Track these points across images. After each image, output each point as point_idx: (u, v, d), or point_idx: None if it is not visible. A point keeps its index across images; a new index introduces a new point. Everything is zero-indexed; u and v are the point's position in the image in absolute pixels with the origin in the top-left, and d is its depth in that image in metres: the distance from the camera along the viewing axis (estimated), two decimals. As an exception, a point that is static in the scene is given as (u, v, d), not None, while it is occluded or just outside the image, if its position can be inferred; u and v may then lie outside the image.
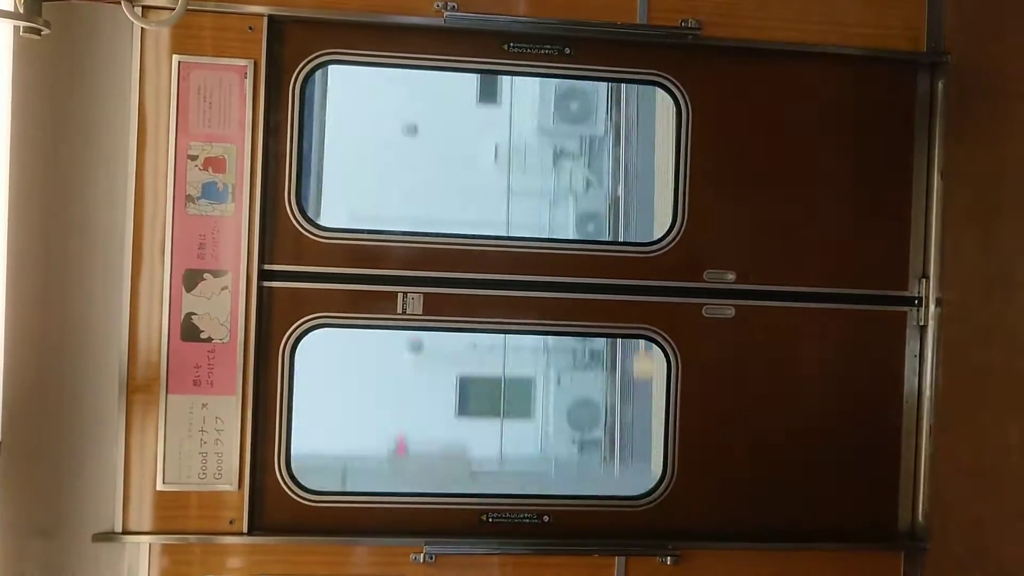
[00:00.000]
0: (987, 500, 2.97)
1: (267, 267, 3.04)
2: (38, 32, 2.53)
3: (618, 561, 3.14)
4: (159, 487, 2.98)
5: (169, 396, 2.98)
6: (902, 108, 3.29)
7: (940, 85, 3.27)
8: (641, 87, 3.47)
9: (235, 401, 2.99)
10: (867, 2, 3.21)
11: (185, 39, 2.97)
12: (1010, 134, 2.95)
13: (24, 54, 2.73)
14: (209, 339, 2.99)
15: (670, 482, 3.20)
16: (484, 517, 3.16)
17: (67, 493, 2.96)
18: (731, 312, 3.22)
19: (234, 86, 2.99)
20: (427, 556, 3.05)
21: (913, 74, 3.29)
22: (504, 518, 3.16)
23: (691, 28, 3.11)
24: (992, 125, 3.06)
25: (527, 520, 3.16)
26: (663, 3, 3.12)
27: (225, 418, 2.99)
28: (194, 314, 2.98)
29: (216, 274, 2.99)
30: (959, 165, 3.21)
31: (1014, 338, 2.88)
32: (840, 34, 3.19)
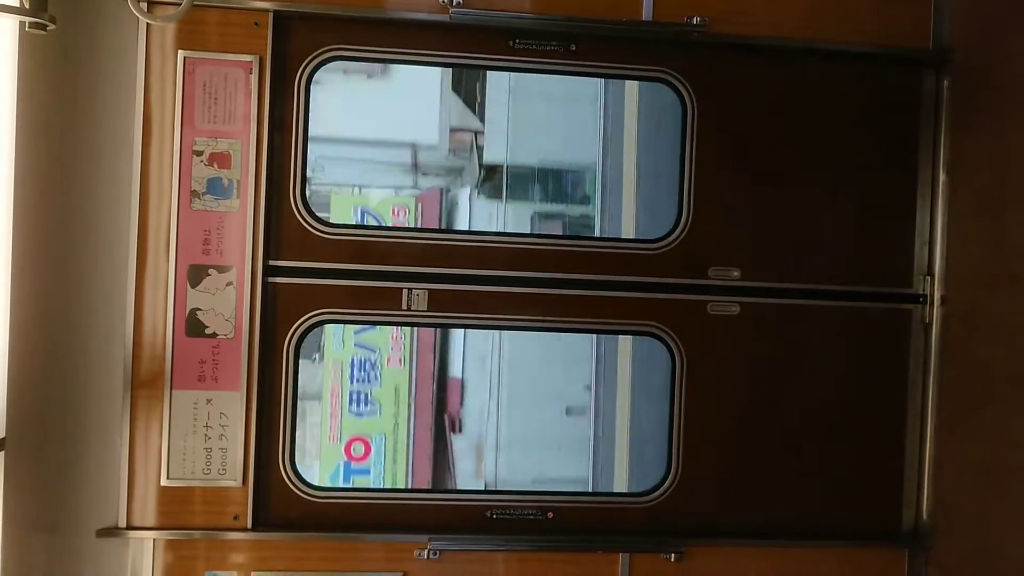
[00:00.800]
0: (992, 498, 2.97)
1: (272, 263, 3.04)
2: (43, 27, 2.53)
3: (622, 558, 3.14)
4: (163, 482, 2.98)
5: (174, 392, 2.98)
6: (907, 105, 3.29)
7: (945, 82, 3.26)
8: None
9: (240, 397, 2.99)
10: (873, 0, 3.22)
11: (190, 34, 2.97)
12: (1015, 131, 2.95)
13: (29, 49, 2.72)
14: (214, 335, 2.99)
15: (675, 479, 3.20)
16: (489, 513, 3.15)
17: (71, 488, 2.96)
18: (736, 309, 3.22)
19: (239, 81, 2.99)
20: (431, 552, 3.05)
21: (918, 71, 3.29)
22: (509, 514, 3.16)
23: (697, 25, 3.11)
24: (997, 122, 3.06)
25: (532, 516, 3.16)
26: (669, 0, 3.12)
27: (230, 414, 2.99)
28: (199, 309, 2.98)
29: (221, 269, 2.99)
30: (964, 162, 3.21)
31: (1019, 335, 2.88)
32: (846, 31, 3.19)
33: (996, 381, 2.99)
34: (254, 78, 2.98)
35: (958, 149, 3.23)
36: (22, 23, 2.56)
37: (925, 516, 3.28)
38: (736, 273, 3.22)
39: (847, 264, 3.28)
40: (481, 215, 5.37)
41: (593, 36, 3.15)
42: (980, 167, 3.13)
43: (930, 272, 3.28)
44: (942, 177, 3.26)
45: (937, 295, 3.26)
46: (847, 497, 3.28)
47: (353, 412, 5.81)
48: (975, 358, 3.11)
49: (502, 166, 5.20)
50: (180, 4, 2.56)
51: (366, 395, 5.82)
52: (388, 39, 3.11)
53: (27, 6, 2.49)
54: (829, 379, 3.29)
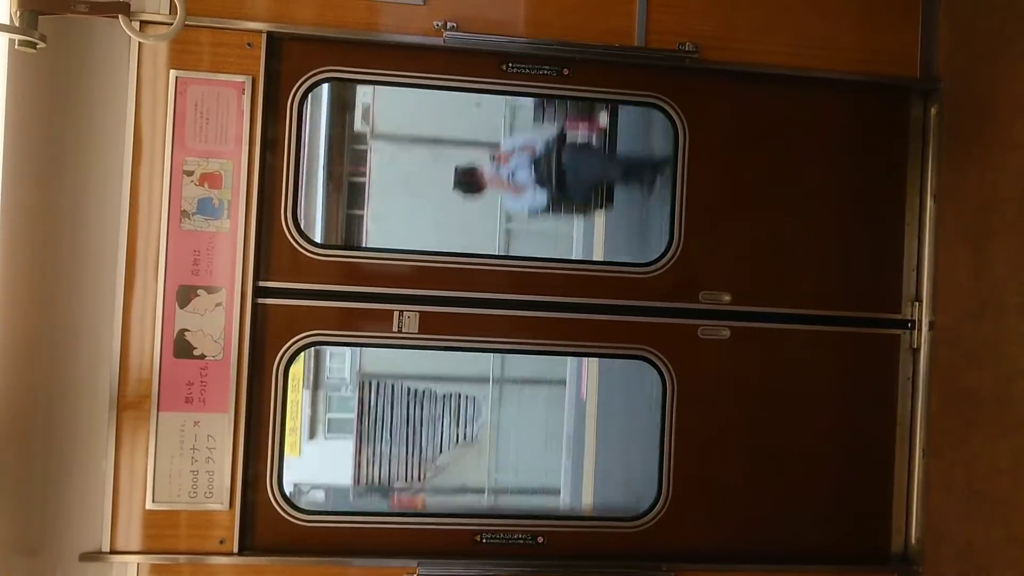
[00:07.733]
0: (979, 523, 2.98)
1: (262, 284, 3.02)
2: (34, 46, 2.50)
3: (612, 582, 3.12)
4: (148, 505, 2.94)
5: (160, 413, 2.94)
6: (895, 133, 3.33)
7: (933, 110, 3.31)
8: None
9: (227, 419, 2.96)
10: (862, 29, 3.26)
11: (183, 54, 2.96)
12: (1001, 158, 2.99)
13: (19, 68, 2.70)
14: (202, 356, 2.96)
15: (664, 503, 3.19)
16: (478, 538, 3.13)
17: (54, 510, 2.92)
18: (727, 333, 3.23)
19: (231, 102, 2.98)
20: (420, 577, 3.02)
21: (906, 99, 3.33)
22: (498, 539, 3.13)
23: (689, 52, 3.14)
24: (983, 149, 3.10)
25: (521, 541, 3.14)
26: (661, 26, 3.15)
27: (217, 436, 2.96)
28: (187, 330, 2.95)
29: (210, 290, 2.97)
30: (951, 189, 3.24)
31: (1006, 361, 2.91)
32: (835, 60, 3.23)
33: (983, 406, 3.01)
34: (246, 98, 2.97)
35: (946, 176, 3.27)
36: (12, 40, 2.54)
37: (914, 540, 3.28)
38: (727, 297, 3.23)
39: (837, 289, 3.30)
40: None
41: (585, 61, 3.16)
42: (967, 194, 3.17)
43: (918, 298, 3.31)
44: (930, 204, 3.30)
45: (925, 320, 3.29)
46: (836, 521, 3.29)
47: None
48: (963, 383, 3.13)
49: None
50: (172, 24, 2.55)
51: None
52: (381, 61, 3.11)
53: (17, 24, 2.47)
54: (818, 403, 3.30)
